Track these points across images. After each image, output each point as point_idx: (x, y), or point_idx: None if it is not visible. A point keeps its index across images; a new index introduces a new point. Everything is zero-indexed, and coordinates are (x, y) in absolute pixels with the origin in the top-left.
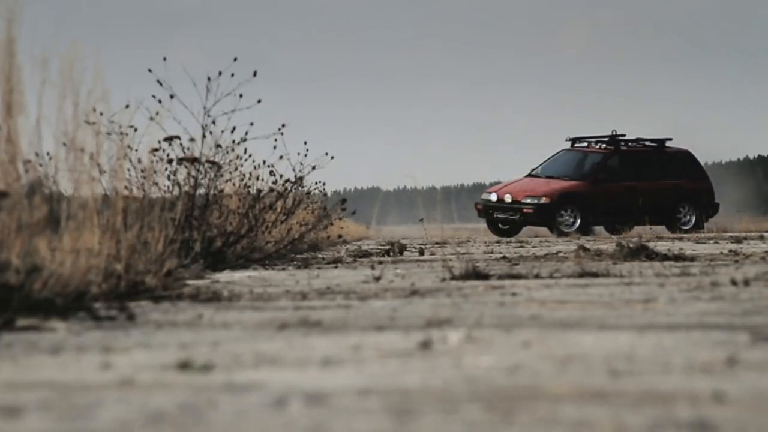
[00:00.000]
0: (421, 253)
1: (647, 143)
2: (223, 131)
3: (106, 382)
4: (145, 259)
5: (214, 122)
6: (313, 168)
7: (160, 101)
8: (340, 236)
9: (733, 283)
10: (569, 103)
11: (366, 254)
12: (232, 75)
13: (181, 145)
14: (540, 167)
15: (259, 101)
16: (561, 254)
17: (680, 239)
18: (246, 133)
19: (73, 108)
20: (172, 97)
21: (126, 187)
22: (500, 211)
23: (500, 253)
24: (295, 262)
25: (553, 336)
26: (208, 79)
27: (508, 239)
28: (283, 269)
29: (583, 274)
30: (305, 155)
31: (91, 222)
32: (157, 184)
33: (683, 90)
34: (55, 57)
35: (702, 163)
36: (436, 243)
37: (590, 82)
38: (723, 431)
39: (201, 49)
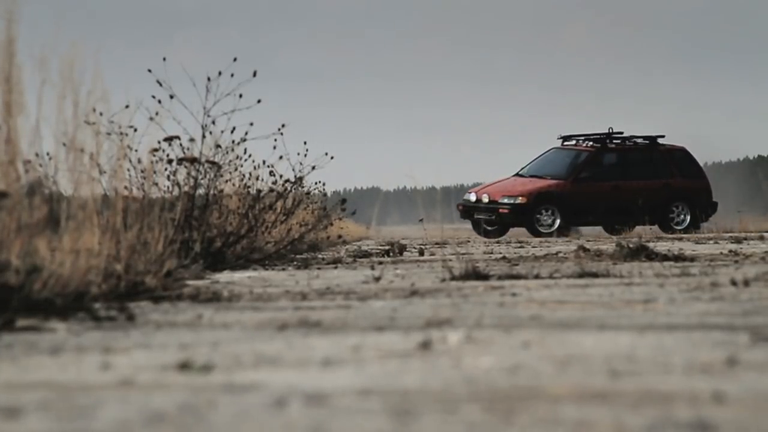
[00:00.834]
0: (421, 253)
1: (639, 141)
2: (222, 131)
3: (106, 382)
4: (144, 260)
5: (213, 122)
6: (313, 168)
7: (159, 101)
8: (340, 236)
9: (733, 283)
10: (571, 103)
11: (366, 254)
12: (232, 75)
13: (180, 145)
14: (528, 166)
15: (258, 101)
16: (561, 254)
17: (680, 239)
18: (246, 134)
19: (73, 108)
20: (171, 97)
21: (126, 188)
22: (479, 211)
23: (500, 253)
24: (295, 263)
25: (553, 336)
26: (208, 79)
27: (507, 240)
28: (283, 269)
29: (583, 275)
30: (305, 155)
31: (91, 222)
32: (156, 184)
33: (684, 90)
34: (54, 57)
35: (702, 163)
36: (436, 243)
37: (592, 82)
38: (723, 431)
39: (201, 49)
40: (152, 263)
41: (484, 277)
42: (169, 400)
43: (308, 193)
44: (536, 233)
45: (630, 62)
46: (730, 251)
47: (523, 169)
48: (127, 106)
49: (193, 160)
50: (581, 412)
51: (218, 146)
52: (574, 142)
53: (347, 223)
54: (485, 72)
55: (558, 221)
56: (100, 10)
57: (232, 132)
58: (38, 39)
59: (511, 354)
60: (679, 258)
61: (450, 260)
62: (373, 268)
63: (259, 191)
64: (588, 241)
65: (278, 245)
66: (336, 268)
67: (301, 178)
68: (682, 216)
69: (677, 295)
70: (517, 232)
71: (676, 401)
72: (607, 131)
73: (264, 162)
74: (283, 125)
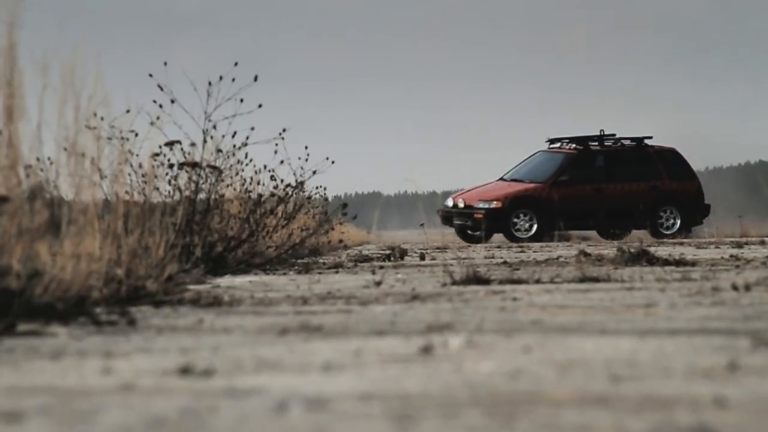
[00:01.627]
0: (422, 257)
1: (626, 142)
2: (224, 136)
3: (107, 387)
4: (146, 264)
5: (215, 127)
6: (314, 173)
7: (161, 106)
8: (341, 241)
9: (734, 288)
10: (573, 105)
11: (367, 259)
12: (233, 80)
13: (182, 149)
14: (513, 170)
15: (260, 106)
16: (562, 259)
17: (681, 244)
18: (247, 138)
19: (74, 113)
20: (172, 101)
21: (127, 192)
22: (457, 217)
23: (501, 258)
24: (296, 267)
25: (554, 341)
26: (209, 83)
27: (508, 245)
28: (284, 274)
29: (584, 279)
30: (306, 160)
31: (92, 227)
32: (158, 188)
33: (684, 93)
34: (56, 62)
35: (703, 167)
36: (437, 248)
37: (595, 84)
38: None
39: (202, 53)
40: (153, 268)
41: (485, 281)
42: (170, 404)
43: (309, 197)
44: (512, 238)
45: (631, 64)
46: (731, 256)
47: (508, 173)
48: (128, 111)
49: (194, 165)
50: (582, 416)
51: (219, 151)
52: (559, 144)
53: (348, 227)
54: (487, 74)
55: (535, 226)
56: (101, 14)
57: (233, 136)
58: (40, 44)
59: (512, 359)
60: (680, 263)
61: (451, 265)
62: (374, 272)
63: (260, 196)
64: (589, 245)
65: (279, 250)
66: (337, 272)
67: (302, 183)
68: (671, 220)
69: (678, 300)
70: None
71: (678, 406)
72: (598, 133)
73: (265, 166)
74: (284, 129)
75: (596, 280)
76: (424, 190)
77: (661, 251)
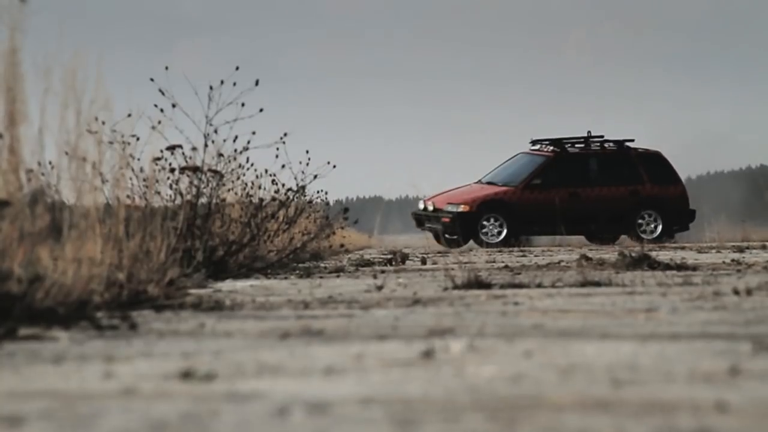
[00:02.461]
0: (424, 262)
1: (608, 145)
2: (225, 140)
3: (109, 391)
4: (147, 269)
5: (216, 131)
6: (315, 177)
7: (162, 110)
8: (342, 245)
9: (736, 292)
10: (575, 106)
11: (368, 263)
12: (234, 84)
13: (183, 154)
14: (491, 173)
15: (261, 110)
16: (563, 263)
17: (682, 248)
18: (248, 142)
19: (76, 117)
20: (174, 106)
21: (128, 196)
22: (427, 220)
23: (502, 262)
24: (298, 271)
25: (556, 345)
26: (210, 87)
27: (510, 249)
28: (286, 278)
29: (585, 284)
30: (307, 164)
31: (93, 231)
32: (159, 193)
33: (685, 96)
34: (57, 66)
35: (704, 172)
36: (438, 252)
37: (597, 86)
38: None
39: (204, 58)
40: (154, 272)
41: (487, 285)
42: (172, 408)
43: (310, 201)
44: (481, 243)
45: (632, 65)
46: (733, 260)
47: (487, 175)
48: (129, 115)
49: (195, 169)
50: (584, 421)
51: (220, 155)
52: (538, 146)
53: (349, 232)
54: (491, 76)
55: (505, 231)
56: (102, 19)
57: (234, 141)
58: (41, 48)
59: (513, 363)
60: (681, 267)
61: (452, 269)
62: (375, 277)
63: (261, 200)
64: (591, 250)
65: (280, 254)
66: (338, 277)
67: (303, 187)
68: (652, 225)
69: (679, 304)
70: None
71: (679, 410)
72: (585, 134)
73: (266, 171)
74: (285, 134)
75: (598, 284)
76: (426, 194)
77: (663, 255)
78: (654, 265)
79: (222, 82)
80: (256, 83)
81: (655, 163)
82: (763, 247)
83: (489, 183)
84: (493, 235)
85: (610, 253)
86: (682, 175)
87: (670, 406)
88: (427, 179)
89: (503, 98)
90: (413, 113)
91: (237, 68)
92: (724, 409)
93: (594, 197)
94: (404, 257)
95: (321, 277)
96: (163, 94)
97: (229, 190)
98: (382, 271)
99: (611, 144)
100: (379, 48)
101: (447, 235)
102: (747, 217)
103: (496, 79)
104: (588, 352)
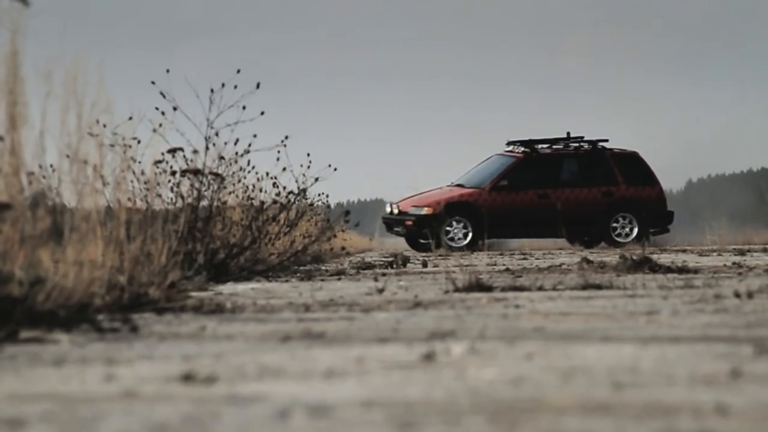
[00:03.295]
0: (425, 265)
1: (582, 146)
2: (226, 143)
3: (110, 394)
4: (148, 271)
5: (217, 134)
6: (316, 180)
7: (163, 113)
8: (343, 248)
9: (737, 295)
10: (576, 108)
11: (369, 266)
12: (236, 87)
13: (184, 157)
14: (464, 175)
15: (262, 113)
16: (564, 266)
17: (684, 251)
18: (249, 145)
19: (77, 120)
20: (175, 109)
21: (129, 199)
22: (394, 223)
23: (503, 265)
24: (299, 274)
25: (557, 348)
26: (211, 90)
27: (511, 252)
28: (287, 281)
29: (586, 287)
30: (308, 167)
31: (95, 234)
32: (160, 195)
33: (686, 98)
34: (59, 69)
35: (705, 174)
36: (439, 255)
37: (598, 87)
38: None
39: (205, 61)
40: (155, 275)
41: (488, 288)
42: (173, 411)
43: (311, 204)
44: (446, 247)
45: (633, 67)
46: (734, 263)
47: (461, 177)
48: (130, 118)
49: (196, 172)
50: (584, 424)
51: (221, 158)
52: (511, 148)
53: (350, 234)
54: (494, 76)
55: (470, 234)
56: (104, 22)
57: (235, 144)
58: (43, 51)
59: (514, 366)
60: (682, 270)
61: (453, 272)
62: (376, 279)
63: (262, 203)
64: (592, 253)
65: (281, 257)
66: (339, 279)
67: (304, 190)
68: (627, 228)
69: (680, 307)
70: (518, 243)
71: (680, 413)
72: (565, 135)
73: (267, 173)
74: (286, 137)
75: (599, 287)
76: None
77: (664, 258)
78: (655, 267)
79: (223, 85)
80: (257, 86)
81: (631, 164)
82: (765, 250)
83: (458, 185)
84: (458, 239)
85: (611, 256)
86: (683, 178)
87: (671, 409)
88: (429, 181)
89: (505, 99)
90: (414, 114)
91: (238, 71)
92: (725, 412)
93: (565, 199)
94: (405, 260)
95: (322, 280)
96: (164, 97)
97: (230, 193)
98: (383, 274)
99: (586, 144)
100: (379, 48)
101: (410, 238)
102: (748, 220)
103: (496, 80)
104: (589, 354)
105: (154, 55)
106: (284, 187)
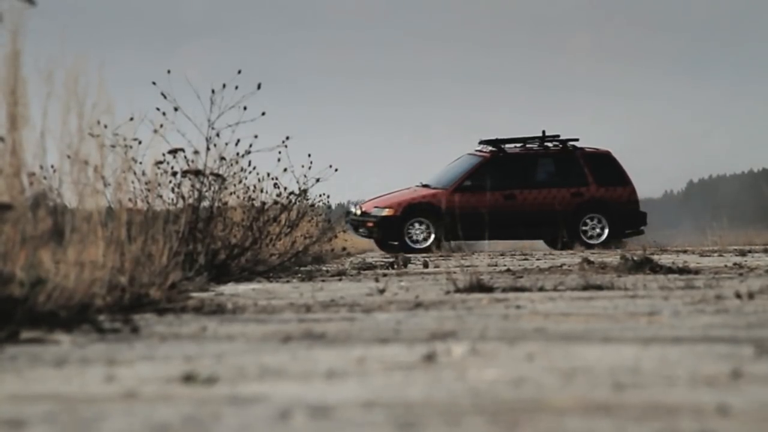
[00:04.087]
0: (426, 265)
1: (553, 145)
2: (227, 144)
3: (111, 394)
4: (149, 272)
5: (218, 135)
6: (317, 180)
7: (164, 114)
8: (344, 249)
9: (738, 296)
10: (576, 108)
11: (370, 267)
12: (236, 87)
13: (185, 157)
14: (434, 175)
15: (263, 114)
16: (565, 267)
17: (684, 252)
18: (250, 146)
19: (78, 120)
20: (176, 109)
21: (130, 200)
22: (359, 225)
23: (504, 265)
24: (299, 275)
25: (558, 349)
26: (212, 91)
27: (512, 253)
28: (287, 282)
29: (587, 287)
30: (309, 168)
31: (95, 234)
32: (161, 196)
33: (686, 101)
34: (60, 70)
35: (707, 175)
36: (440, 256)
37: (599, 88)
38: None
39: (206, 61)
40: (156, 275)
41: (489, 289)
42: (174, 412)
43: (312, 205)
44: (407, 249)
45: (634, 70)
46: (735, 264)
47: (431, 177)
48: (131, 119)
49: (197, 173)
50: (585, 424)
51: (222, 158)
52: (480, 147)
53: (351, 235)
54: (495, 77)
55: (432, 236)
56: (105, 22)
57: (236, 144)
58: (44, 52)
59: (515, 366)
60: (683, 271)
61: (454, 273)
62: (377, 280)
63: (263, 203)
64: (593, 253)
65: (282, 257)
66: (340, 280)
67: (305, 191)
68: (597, 229)
69: (681, 308)
70: (520, 244)
71: (681, 414)
72: (539, 134)
73: (268, 174)
74: (287, 138)
75: (599, 287)
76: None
77: (665, 259)
78: (656, 268)
79: (224, 85)
80: (258, 87)
81: (603, 164)
82: (766, 251)
83: (425, 186)
84: (419, 240)
85: (611, 257)
86: (683, 179)
87: (672, 409)
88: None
89: (506, 99)
90: (415, 115)
91: (239, 72)
92: (726, 413)
93: (532, 200)
94: (406, 261)
95: (323, 281)
96: (165, 97)
97: (231, 193)
98: (384, 275)
99: (557, 144)
100: (379, 48)
101: (376, 240)
102: (749, 221)
103: (497, 80)
104: (590, 355)
105: (155, 56)
106: (285, 188)
